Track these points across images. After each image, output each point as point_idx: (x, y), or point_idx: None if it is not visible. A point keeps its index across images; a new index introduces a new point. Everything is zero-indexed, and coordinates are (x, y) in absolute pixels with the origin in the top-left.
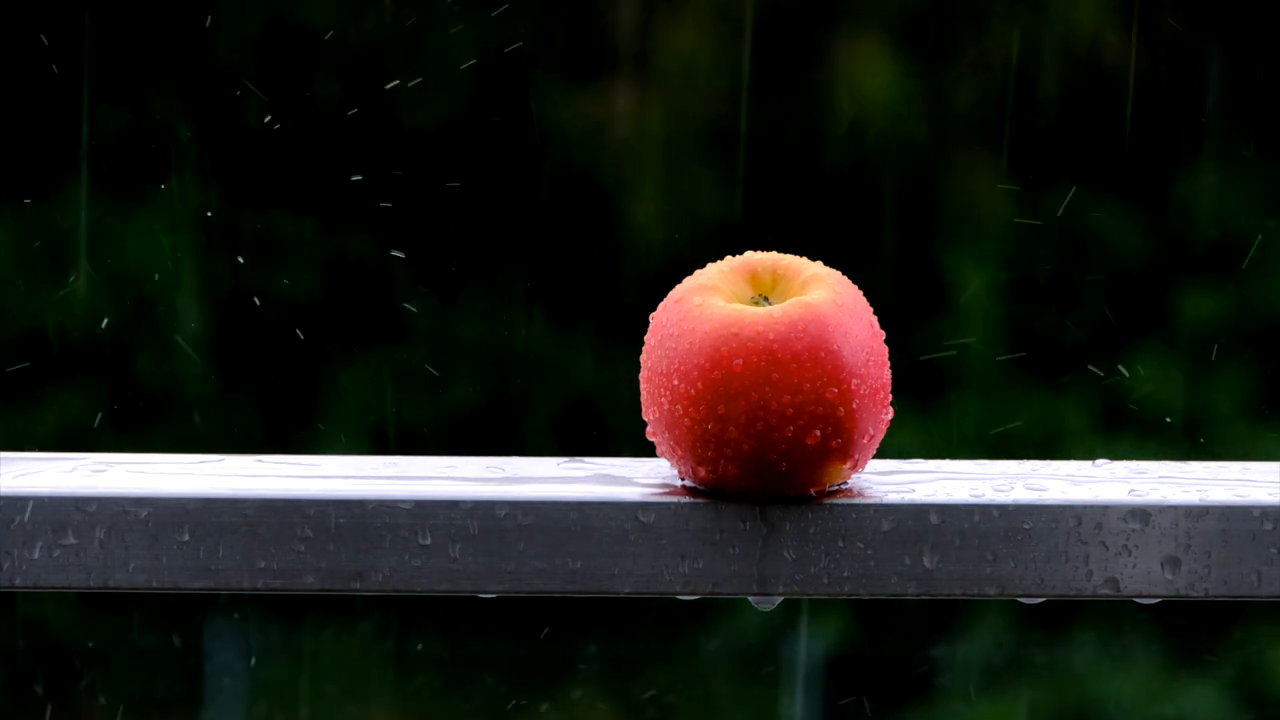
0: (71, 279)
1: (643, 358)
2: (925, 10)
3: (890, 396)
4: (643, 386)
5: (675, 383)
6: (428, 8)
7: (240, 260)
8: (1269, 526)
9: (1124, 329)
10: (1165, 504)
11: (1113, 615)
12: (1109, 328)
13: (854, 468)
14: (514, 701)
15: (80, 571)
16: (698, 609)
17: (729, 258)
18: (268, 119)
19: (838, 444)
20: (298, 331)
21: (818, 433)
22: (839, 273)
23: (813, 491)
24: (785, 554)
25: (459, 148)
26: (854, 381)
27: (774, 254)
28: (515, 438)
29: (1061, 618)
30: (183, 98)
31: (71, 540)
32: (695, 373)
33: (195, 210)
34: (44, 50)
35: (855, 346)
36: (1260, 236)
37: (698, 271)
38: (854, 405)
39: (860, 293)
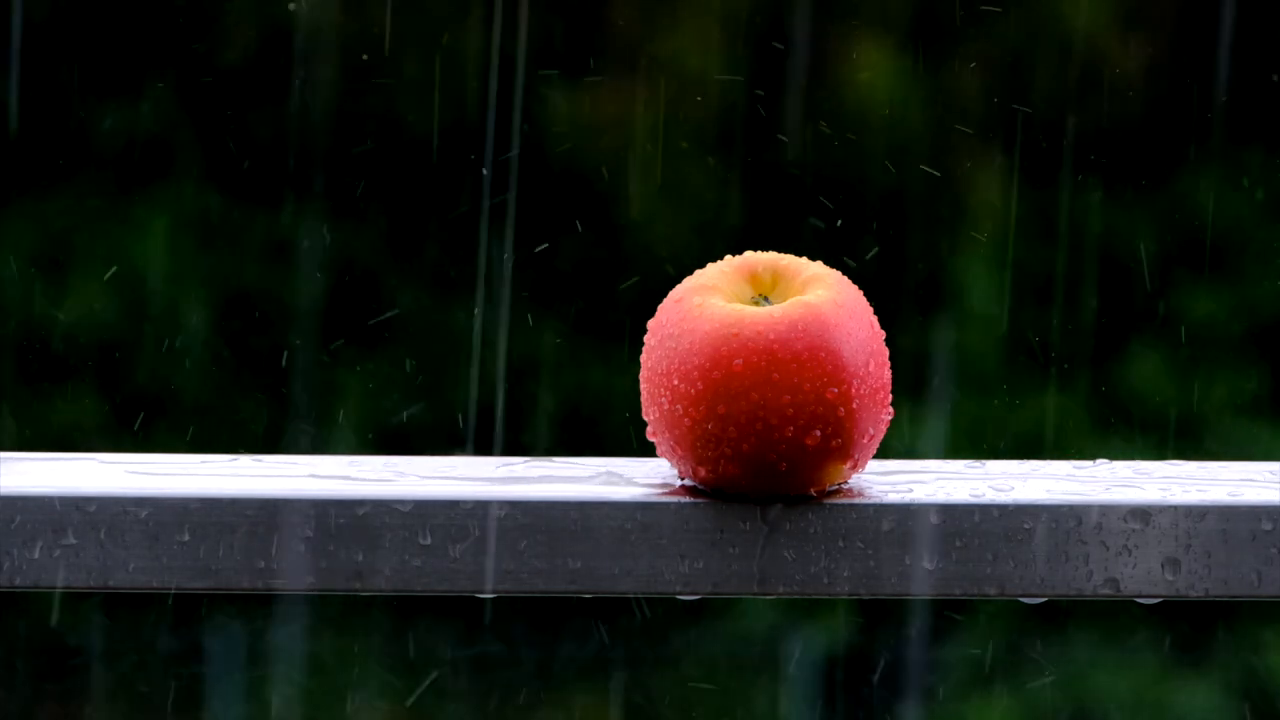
0: (72, 279)
1: (643, 358)
2: (927, 9)
3: (890, 397)
4: (643, 386)
5: (675, 383)
6: (428, 7)
7: (241, 260)
8: (1269, 526)
9: (1124, 328)
10: (1165, 504)
11: (1112, 615)
12: (1109, 326)
13: (854, 468)
14: (514, 701)
15: (80, 571)
16: (698, 608)
17: (729, 257)
18: (268, 119)
19: (838, 444)
20: (298, 331)
21: (818, 433)
22: (839, 273)
23: (813, 491)
24: (785, 554)
25: (460, 148)
26: (854, 382)
27: (774, 254)
28: (516, 438)
29: (1061, 617)
30: (183, 97)
31: (71, 540)
32: (695, 373)
33: (196, 210)
34: (44, 49)
35: (855, 347)
36: (1260, 236)
37: (698, 271)
38: (854, 405)
39: (860, 293)
